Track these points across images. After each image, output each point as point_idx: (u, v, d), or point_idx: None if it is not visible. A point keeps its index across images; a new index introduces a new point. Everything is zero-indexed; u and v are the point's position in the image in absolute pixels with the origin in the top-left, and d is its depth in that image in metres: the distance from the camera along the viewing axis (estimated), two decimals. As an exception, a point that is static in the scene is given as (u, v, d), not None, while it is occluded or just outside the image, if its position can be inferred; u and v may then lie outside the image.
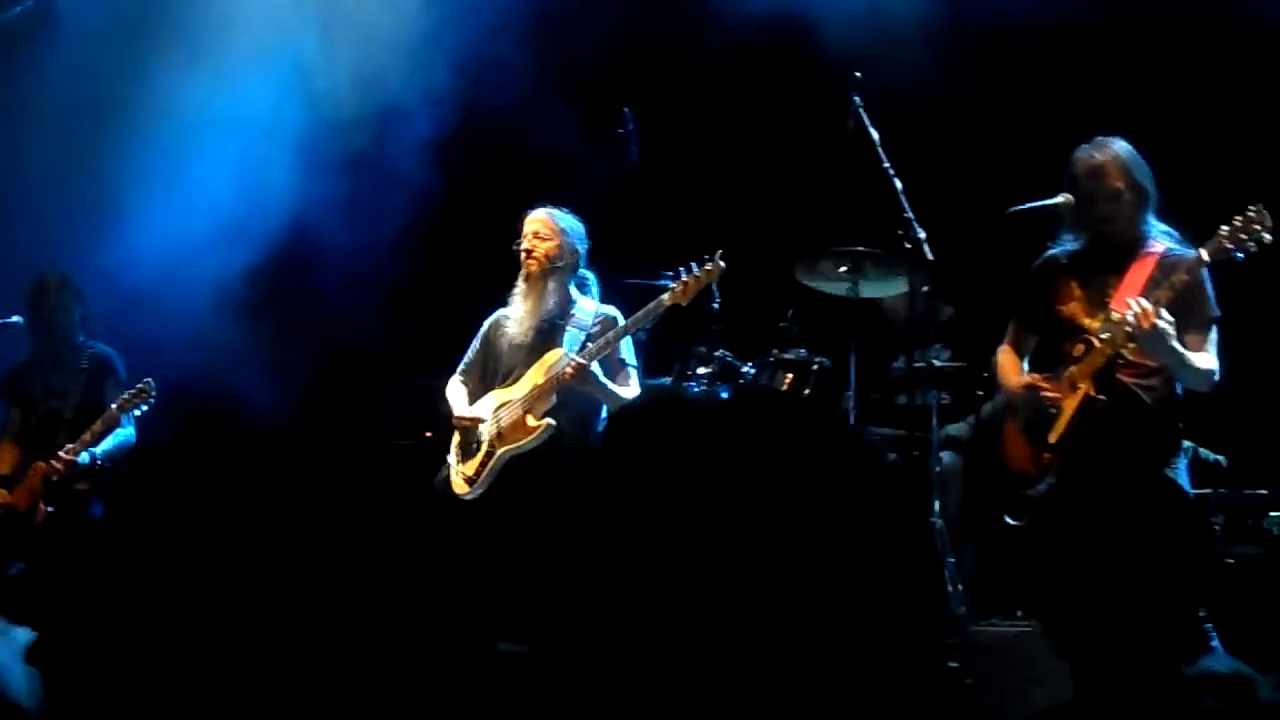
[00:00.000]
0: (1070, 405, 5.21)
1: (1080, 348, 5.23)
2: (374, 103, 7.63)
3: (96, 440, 6.81)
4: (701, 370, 6.84)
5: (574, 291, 6.34)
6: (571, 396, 6.11)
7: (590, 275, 6.41)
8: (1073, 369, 5.24)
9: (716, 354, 6.82)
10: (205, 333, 7.61)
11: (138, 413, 6.85)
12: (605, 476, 1.77)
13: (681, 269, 6.10)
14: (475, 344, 6.47)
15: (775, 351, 6.89)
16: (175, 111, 7.63)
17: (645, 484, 1.81)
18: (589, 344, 6.15)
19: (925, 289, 5.93)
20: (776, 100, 7.75)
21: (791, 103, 7.60)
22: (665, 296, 6.10)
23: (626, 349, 6.27)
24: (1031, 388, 5.33)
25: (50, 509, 6.78)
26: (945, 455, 6.70)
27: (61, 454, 6.75)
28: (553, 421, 6.05)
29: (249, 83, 7.65)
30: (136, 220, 7.60)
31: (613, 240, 6.93)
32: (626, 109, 6.91)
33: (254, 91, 7.66)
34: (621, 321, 6.23)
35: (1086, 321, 5.27)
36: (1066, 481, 5.20)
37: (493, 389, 6.31)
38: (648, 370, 7.11)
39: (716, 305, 6.63)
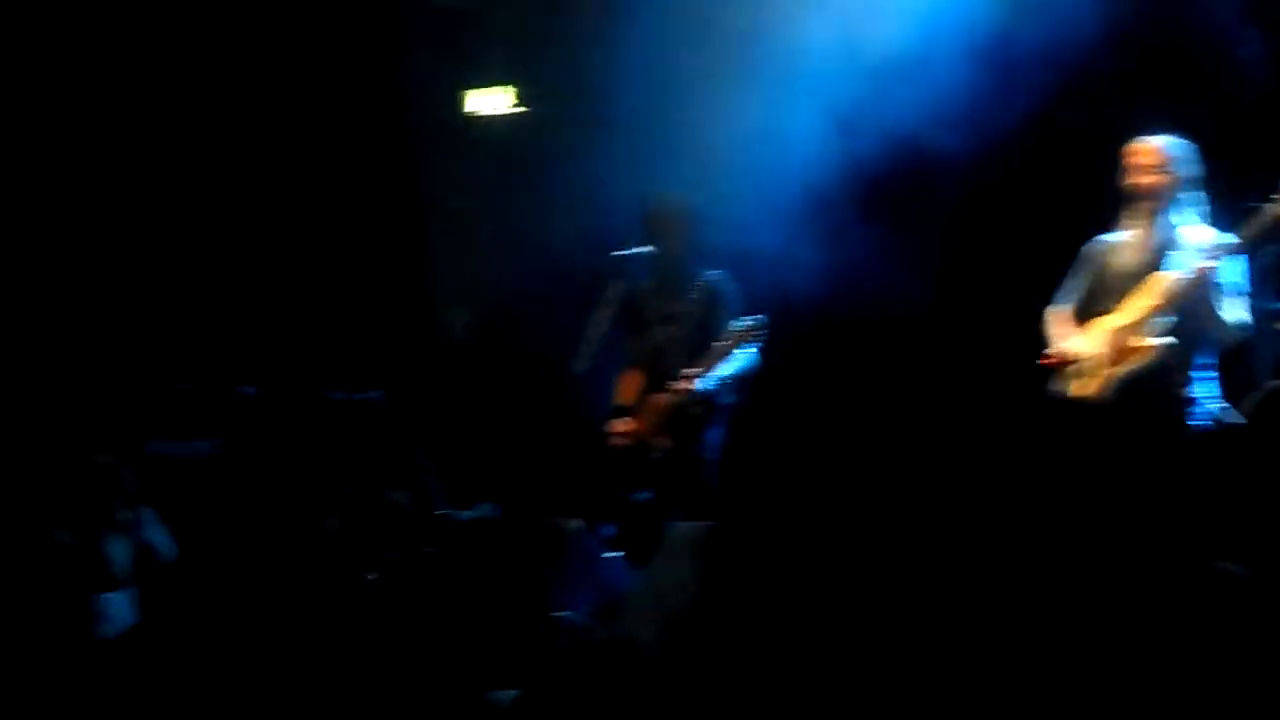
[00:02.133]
0: None
1: None
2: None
3: (707, 372, 6.98)
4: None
5: (1182, 219, 6.14)
6: (1181, 320, 6.02)
7: (1196, 200, 6.16)
8: None
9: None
10: (827, 235, 7.63)
11: (750, 349, 6.98)
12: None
13: None
14: (1076, 270, 6.42)
15: None
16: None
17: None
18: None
19: None
20: None
21: None
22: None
23: (1232, 274, 6.04)
24: None
25: (669, 441, 7.02)
26: None
27: (676, 384, 6.98)
28: (1172, 339, 6.01)
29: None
30: (756, 133, 7.59)
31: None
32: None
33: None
34: None
35: None
36: None
37: (1095, 314, 6.27)
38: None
39: None
